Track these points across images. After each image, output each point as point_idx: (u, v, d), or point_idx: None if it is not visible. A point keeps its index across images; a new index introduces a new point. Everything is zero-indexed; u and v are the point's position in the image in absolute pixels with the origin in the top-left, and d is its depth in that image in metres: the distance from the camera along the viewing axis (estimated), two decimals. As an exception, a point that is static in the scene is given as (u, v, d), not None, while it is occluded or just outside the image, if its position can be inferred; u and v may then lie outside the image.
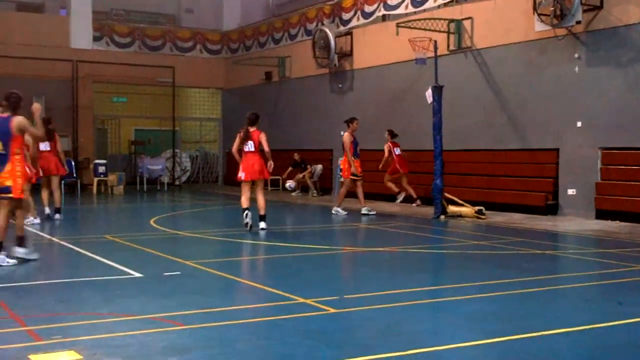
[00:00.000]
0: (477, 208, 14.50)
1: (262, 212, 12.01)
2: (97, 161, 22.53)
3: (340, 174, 15.68)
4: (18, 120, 8.32)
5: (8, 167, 8.33)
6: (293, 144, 22.89)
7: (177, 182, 25.10)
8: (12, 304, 6.47)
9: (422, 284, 7.91)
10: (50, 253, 10.21)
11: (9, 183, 8.36)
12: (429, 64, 16.19)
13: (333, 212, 15.28)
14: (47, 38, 23.38)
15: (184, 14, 27.42)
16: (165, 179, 24.03)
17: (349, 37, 20.90)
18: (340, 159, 15.45)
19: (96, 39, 24.68)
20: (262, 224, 11.95)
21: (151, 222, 13.39)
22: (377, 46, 19.93)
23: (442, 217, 14.46)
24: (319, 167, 21.54)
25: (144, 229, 12.55)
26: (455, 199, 14.87)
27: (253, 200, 12.09)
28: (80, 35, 24.09)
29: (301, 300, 6.67)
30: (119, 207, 17.90)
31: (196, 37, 26.62)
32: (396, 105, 19.16)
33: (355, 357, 4.87)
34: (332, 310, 6.27)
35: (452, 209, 14.66)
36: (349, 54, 20.92)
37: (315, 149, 22.24)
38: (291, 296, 6.83)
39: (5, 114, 8.47)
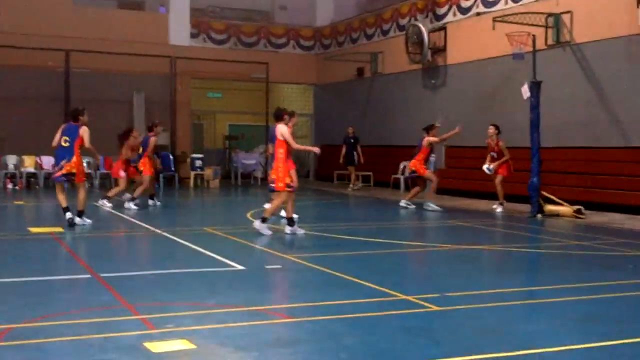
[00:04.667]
0: (575, 207, 14.13)
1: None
2: (194, 155, 23.12)
3: (415, 173, 15.91)
4: (280, 128, 10.86)
5: (274, 164, 10.99)
6: (385, 140, 22.89)
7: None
8: (124, 293, 6.73)
9: (526, 283, 7.81)
10: (155, 244, 10.55)
11: (273, 177, 10.96)
12: (526, 59, 15.87)
13: (426, 207, 15.38)
14: (147, 35, 24.06)
15: (278, 11, 27.72)
16: (259, 174, 24.44)
17: (442, 32, 20.71)
18: (407, 162, 15.70)
19: (193, 35, 25.27)
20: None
21: (248, 215, 13.65)
22: (471, 41, 19.66)
23: (539, 216, 14.17)
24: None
25: (242, 222, 12.80)
26: (553, 197, 14.54)
27: None
28: (179, 32, 24.74)
29: (402, 296, 6.69)
30: (216, 200, 18.31)
31: (289, 33, 26.89)
32: (491, 101, 18.86)
33: (462, 356, 4.86)
34: (435, 308, 6.26)
35: (549, 207, 14.34)
36: (443, 49, 20.73)
37: (408, 145, 22.12)
38: (392, 292, 6.86)
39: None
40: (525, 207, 14.79)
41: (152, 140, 15.10)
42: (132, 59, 23.29)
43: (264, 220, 10.93)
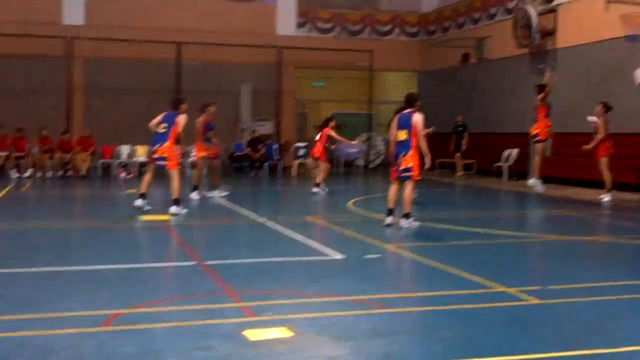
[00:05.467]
0: (693, 196, 13.44)
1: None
2: (297, 144, 23.40)
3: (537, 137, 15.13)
4: (417, 116, 10.27)
5: (410, 152, 10.11)
6: (489, 127, 22.43)
7: (370, 166, 25.45)
8: (226, 280, 6.93)
9: (632, 277, 7.51)
10: (256, 233, 10.73)
11: (410, 165, 10.08)
12: (640, 42, 15.17)
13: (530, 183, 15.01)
14: (255, 26, 24.51)
15: (383, -3, 27.60)
16: (361, 162, 24.51)
17: (552, 14, 20.04)
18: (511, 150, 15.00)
19: (300, 25, 25.51)
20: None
21: (348, 204, 13.72)
22: (583, 23, 18.91)
23: (653, 205, 13.57)
24: (515, 150, 20.95)
25: (342, 211, 12.89)
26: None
27: None
28: (286, 22, 25.07)
29: (502, 288, 6.57)
30: (318, 188, 18.41)
31: (395, 20, 26.67)
32: (602, 86, 18.11)
33: (564, 351, 4.74)
34: (535, 301, 6.12)
35: (664, 197, 13.69)
36: (552, 32, 20.06)
37: (513, 132, 21.62)
38: (491, 284, 6.75)
39: (409, 110, 10.46)
40: (636, 197, 14.18)
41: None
42: (240, 50, 23.79)
43: (407, 215, 10.28)
